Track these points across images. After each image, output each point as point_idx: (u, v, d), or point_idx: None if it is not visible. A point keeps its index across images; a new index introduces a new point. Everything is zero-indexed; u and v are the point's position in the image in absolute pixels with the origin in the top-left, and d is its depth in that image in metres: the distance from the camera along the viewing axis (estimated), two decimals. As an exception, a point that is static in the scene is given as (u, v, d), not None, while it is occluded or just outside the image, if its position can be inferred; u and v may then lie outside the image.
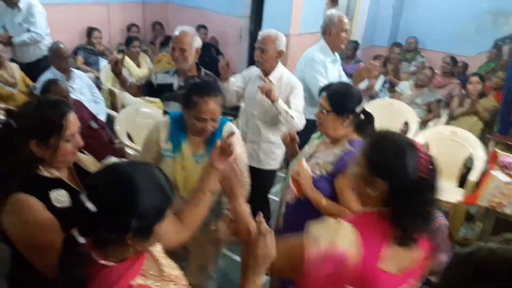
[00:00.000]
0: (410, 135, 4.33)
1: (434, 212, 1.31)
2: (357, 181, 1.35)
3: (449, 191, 3.50)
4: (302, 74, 3.27)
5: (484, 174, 3.22)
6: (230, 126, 2.14)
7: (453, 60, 5.76)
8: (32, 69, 4.26)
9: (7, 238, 1.39)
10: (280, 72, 2.96)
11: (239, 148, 2.16)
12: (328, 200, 1.86)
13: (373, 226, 1.29)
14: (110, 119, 4.02)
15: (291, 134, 2.25)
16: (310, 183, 1.89)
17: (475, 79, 4.64)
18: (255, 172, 2.32)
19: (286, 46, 4.82)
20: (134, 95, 2.97)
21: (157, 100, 4.81)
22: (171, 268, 1.29)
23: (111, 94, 4.81)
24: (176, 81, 2.75)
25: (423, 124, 4.88)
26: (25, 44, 4.34)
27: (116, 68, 2.73)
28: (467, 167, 3.87)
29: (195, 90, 1.96)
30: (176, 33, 2.72)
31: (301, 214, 1.89)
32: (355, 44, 6.12)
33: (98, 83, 4.89)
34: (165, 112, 2.83)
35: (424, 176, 1.25)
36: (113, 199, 1.04)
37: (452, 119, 4.72)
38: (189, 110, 1.96)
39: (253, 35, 6.02)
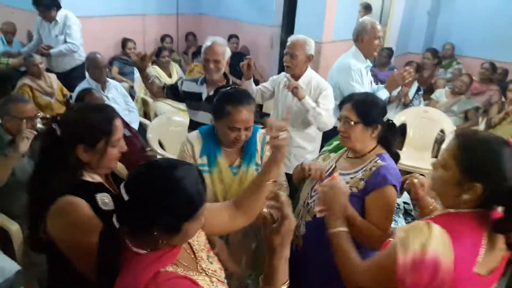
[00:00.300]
0: (446, 144, 4.19)
1: None
2: (447, 186, 1.28)
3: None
4: (337, 82, 3.22)
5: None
6: (262, 133, 2.09)
7: (493, 66, 5.57)
8: (66, 78, 4.43)
9: (44, 244, 1.39)
10: (309, 76, 2.95)
11: None
12: (362, 219, 1.75)
13: (466, 228, 1.23)
14: (142, 127, 4.09)
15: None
16: (347, 198, 1.73)
17: (515, 85, 4.47)
18: (286, 177, 2.28)
19: (319, 54, 4.83)
20: (155, 94, 3.00)
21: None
22: (209, 262, 1.29)
23: (144, 103, 4.91)
24: (205, 91, 2.75)
25: (460, 132, 4.71)
26: (61, 55, 4.51)
27: (142, 64, 2.75)
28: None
29: (227, 99, 1.90)
30: (208, 43, 2.71)
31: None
32: (389, 51, 6.01)
33: (132, 92, 5.01)
34: (191, 122, 2.84)
35: None
36: (143, 192, 1.07)
37: (490, 127, 4.54)
38: (221, 120, 1.90)
39: (284, 43, 6.00)
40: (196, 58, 5.97)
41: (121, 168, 1.68)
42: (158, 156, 3.52)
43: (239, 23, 6.37)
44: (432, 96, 5.25)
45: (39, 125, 2.85)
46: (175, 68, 5.37)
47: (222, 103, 1.90)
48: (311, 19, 5.04)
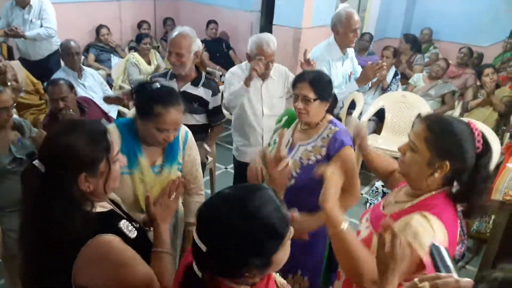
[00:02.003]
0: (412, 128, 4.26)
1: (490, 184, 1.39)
2: (418, 167, 1.37)
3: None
4: None
5: (499, 166, 3.15)
6: (185, 129, 2.03)
7: (470, 51, 5.70)
8: (42, 66, 4.32)
9: None
10: (277, 67, 2.97)
11: (194, 151, 2.06)
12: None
13: (448, 207, 1.36)
14: (121, 116, 4.04)
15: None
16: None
17: (490, 70, 4.56)
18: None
19: (298, 40, 4.82)
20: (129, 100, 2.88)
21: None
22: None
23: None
24: (175, 86, 2.65)
25: (437, 116, 4.79)
26: (39, 38, 4.35)
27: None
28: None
29: (157, 99, 1.77)
30: (173, 34, 2.59)
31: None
32: (370, 36, 6.04)
33: (109, 80, 4.93)
34: None
35: (481, 152, 1.34)
36: (221, 239, 0.96)
37: (466, 111, 4.64)
38: (149, 120, 1.76)
39: (264, 29, 5.98)
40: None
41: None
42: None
43: (218, 8, 6.30)
44: (410, 80, 5.32)
45: (15, 116, 2.79)
46: (155, 55, 5.30)
47: (151, 103, 1.76)
48: (290, 4, 5.01)
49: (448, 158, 1.32)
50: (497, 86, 4.59)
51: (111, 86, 4.62)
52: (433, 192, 1.39)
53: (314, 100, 1.99)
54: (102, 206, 1.30)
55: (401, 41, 6.22)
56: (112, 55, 5.42)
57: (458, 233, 1.36)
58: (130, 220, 1.40)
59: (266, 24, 5.83)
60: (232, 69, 3.00)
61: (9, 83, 3.56)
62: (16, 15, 4.41)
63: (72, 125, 1.26)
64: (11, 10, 4.41)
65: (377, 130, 4.72)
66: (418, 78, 5.22)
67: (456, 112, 4.75)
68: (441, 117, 1.43)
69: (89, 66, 4.67)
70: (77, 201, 1.19)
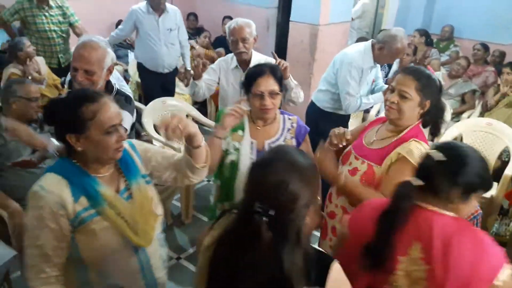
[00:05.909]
0: (443, 127, 4.20)
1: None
2: (412, 108, 1.81)
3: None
4: (338, 70, 3.20)
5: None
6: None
7: (484, 47, 5.56)
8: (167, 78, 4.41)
9: None
10: (257, 58, 2.93)
11: (145, 145, 1.75)
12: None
13: (422, 134, 1.86)
14: (137, 112, 4.03)
15: None
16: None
17: (507, 70, 4.45)
18: None
19: (315, 36, 4.78)
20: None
21: (185, 92, 4.85)
22: None
23: (139, 86, 4.86)
24: None
25: (457, 115, 4.71)
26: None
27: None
28: (503, 161, 3.72)
29: (82, 101, 1.41)
30: (78, 46, 2.06)
31: None
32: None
33: (127, 76, 4.96)
34: None
35: (439, 87, 1.87)
36: (460, 154, 1.32)
37: (486, 110, 4.54)
38: (90, 129, 1.40)
39: (281, 26, 5.94)
40: (193, 38, 5.92)
41: None
42: (154, 142, 3.48)
43: (235, 4, 6.28)
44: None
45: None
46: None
47: (79, 110, 1.40)
48: (308, 1, 4.97)
49: (429, 98, 1.81)
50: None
51: (128, 81, 4.64)
52: (413, 125, 1.85)
53: (279, 92, 2.00)
54: None
55: (415, 35, 6.07)
56: (129, 51, 5.45)
57: None
58: None
59: (283, 21, 5.77)
60: (217, 61, 3.08)
61: (29, 77, 3.62)
62: (149, 21, 4.18)
63: (292, 168, 1.17)
64: (145, 15, 4.16)
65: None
66: (438, 76, 5.11)
67: (477, 112, 4.64)
68: (415, 67, 1.96)
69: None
70: (303, 242, 1.15)
